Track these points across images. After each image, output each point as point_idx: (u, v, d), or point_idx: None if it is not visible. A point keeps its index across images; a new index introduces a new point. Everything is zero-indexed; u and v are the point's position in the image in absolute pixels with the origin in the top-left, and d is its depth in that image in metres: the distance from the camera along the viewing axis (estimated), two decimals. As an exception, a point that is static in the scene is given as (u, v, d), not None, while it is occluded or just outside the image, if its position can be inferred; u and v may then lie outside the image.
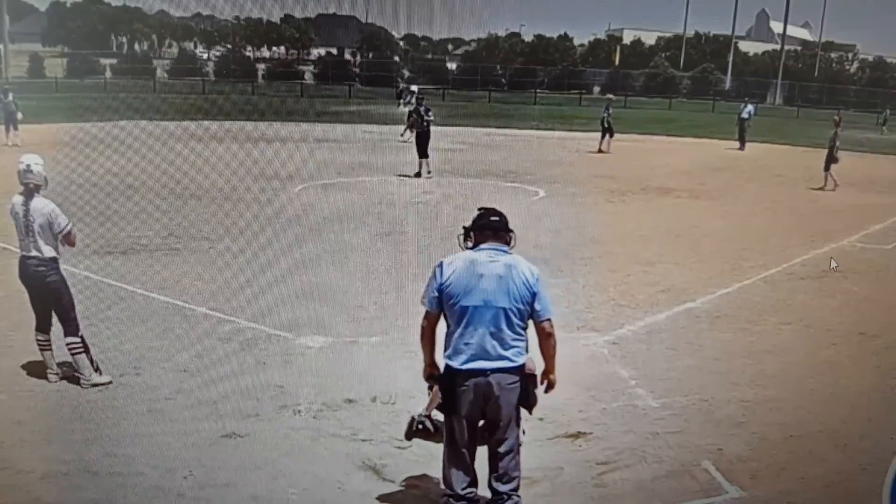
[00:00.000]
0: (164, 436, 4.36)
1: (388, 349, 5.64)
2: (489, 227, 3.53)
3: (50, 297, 4.96)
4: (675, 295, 7.31)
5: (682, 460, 4.23)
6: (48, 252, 4.89)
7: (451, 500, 3.55)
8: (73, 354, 4.96)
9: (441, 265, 3.48)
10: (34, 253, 4.88)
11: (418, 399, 4.27)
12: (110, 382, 5.00)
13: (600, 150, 18.79)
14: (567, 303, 7.04)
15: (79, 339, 4.97)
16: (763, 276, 8.08)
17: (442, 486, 3.64)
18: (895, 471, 3.13)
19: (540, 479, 4.01)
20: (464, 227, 3.59)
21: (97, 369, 5.03)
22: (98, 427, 4.45)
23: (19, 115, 16.45)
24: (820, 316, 6.89)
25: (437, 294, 3.46)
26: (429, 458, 3.91)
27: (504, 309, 3.41)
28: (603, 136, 19.03)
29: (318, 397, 4.92)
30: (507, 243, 3.55)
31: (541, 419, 4.62)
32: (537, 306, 3.46)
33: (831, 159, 14.33)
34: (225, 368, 5.34)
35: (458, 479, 3.53)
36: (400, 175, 14.20)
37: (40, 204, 4.82)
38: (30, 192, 4.83)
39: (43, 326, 5.04)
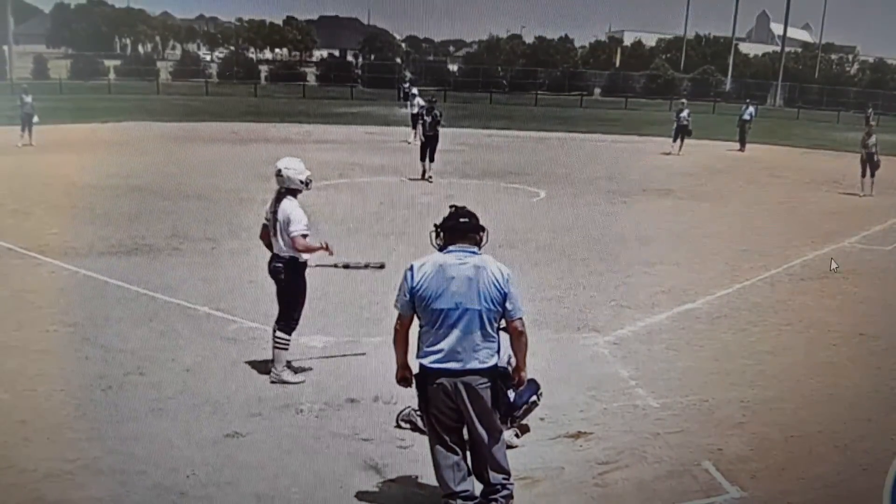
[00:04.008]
0: (168, 434, 4.38)
1: (390, 349, 5.61)
2: (458, 229, 3.56)
3: (281, 294, 5.16)
4: (675, 296, 7.33)
5: (683, 460, 4.24)
6: (286, 252, 5.07)
7: (449, 500, 3.58)
8: (274, 347, 5.16)
9: (412, 268, 3.52)
10: (276, 251, 5.10)
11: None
12: (302, 382, 5.14)
13: (678, 152, 18.86)
14: (568, 303, 7.07)
15: (287, 338, 5.16)
16: (763, 277, 8.10)
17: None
18: (895, 472, 3.15)
19: (541, 479, 4.03)
20: (434, 226, 3.61)
21: (293, 370, 5.22)
22: (101, 426, 4.47)
23: (35, 118, 16.54)
24: (820, 317, 6.90)
25: (408, 297, 3.51)
26: (430, 457, 3.92)
27: (475, 311, 3.45)
28: (682, 139, 19.11)
29: (320, 397, 4.95)
30: (478, 244, 3.57)
31: (542, 419, 4.65)
32: (508, 306, 3.49)
33: (873, 164, 14.12)
34: (228, 368, 5.36)
35: (451, 477, 3.57)
36: (404, 178, 14.20)
37: (285, 205, 5.02)
38: (280, 194, 5.05)
39: (285, 325, 5.18)
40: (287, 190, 5.06)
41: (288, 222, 4.99)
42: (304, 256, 5.13)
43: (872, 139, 14.42)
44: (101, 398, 4.86)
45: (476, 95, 37.38)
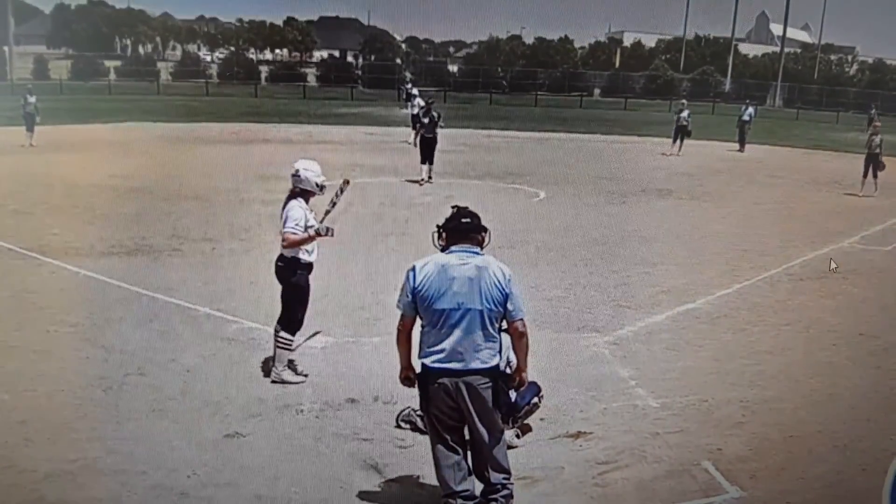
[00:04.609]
0: (168, 435, 4.39)
1: (390, 349, 5.62)
2: (460, 229, 3.58)
3: (283, 293, 5.18)
4: (675, 296, 7.34)
5: (682, 460, 4.25)
6: (288, 251, 5.09)
7: (449, 500, 3.59)
8: (276, 346, 5.18)
9: (414, 269, 3.54)
10: (280, 250, 5.12)
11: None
12: (302, 382, 5.15)
13: (678, 153, 18.89)
14: (568, 303, 7.08)
15: (291, 338, 5.18)
16: (763, 277, 8.11)
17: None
18: (895, 471, 3.16)
19: (541, 479, 4.04)
20: (437, 226, 3.63)
21: (294, 370, 5.23)
22: (102, 426, 4.48)
23: (37, 118, 16.60)
24: (819, 317, 6.91)
25: (410, 298, 3.53)
26: (430, 457, 3.94)
27: (476, 311, 3.47)
28: (681, 139, 19.18)
29: (321, 397, 4.95)
30: (480, 244, 3.59)
31: (542, 419, 4.66)
32: (510, 306, 3.51)
33: (876, 164, 14.03)
34: (228, 369, 5.37)
35: (451, 477, 3.58)
36: (404, 179, 14.18)
37: (290, 205, 5.07)
38: (293, 194, 5.10)
39: (287, 325, 5.19)
40: (301, 191, 5.11)
41: (284, 221, 5.04)
42: (306, 258, 5.13)
43: (877, 139, 14.41)
44: (101, 398, 4.86)
45: (476, 96, 37.40)
